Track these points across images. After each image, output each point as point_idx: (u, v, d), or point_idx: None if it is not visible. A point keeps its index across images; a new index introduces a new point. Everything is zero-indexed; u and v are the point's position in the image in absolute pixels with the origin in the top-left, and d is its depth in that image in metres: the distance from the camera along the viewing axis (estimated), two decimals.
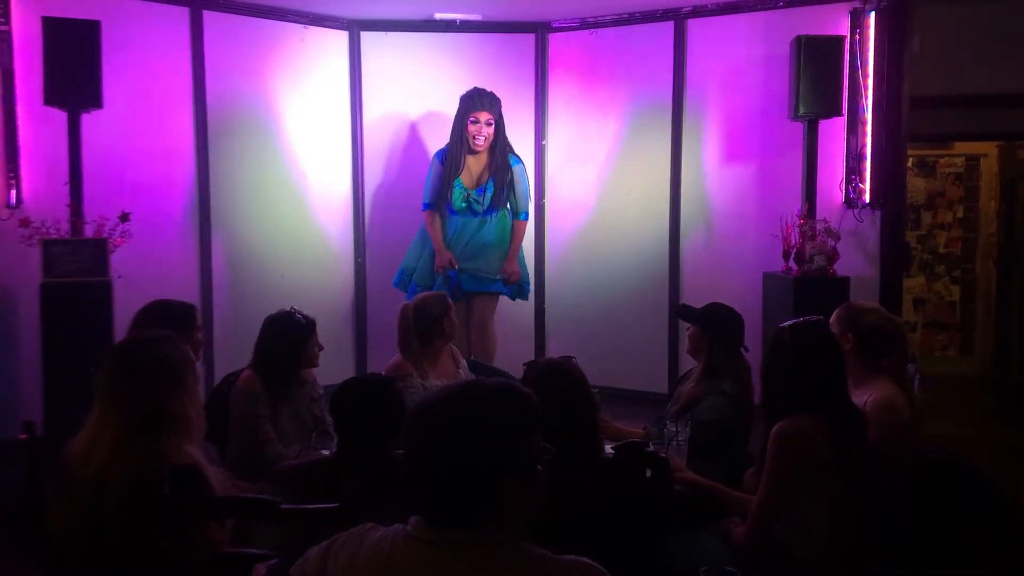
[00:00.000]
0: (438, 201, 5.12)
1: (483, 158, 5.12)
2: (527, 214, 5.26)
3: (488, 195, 5.08)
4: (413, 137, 5.89)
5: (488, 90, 5.12)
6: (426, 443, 1.43)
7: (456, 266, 5.05)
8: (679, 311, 3.46)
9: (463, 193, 5.07)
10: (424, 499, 1.43)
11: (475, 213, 5.11)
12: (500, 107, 5.11)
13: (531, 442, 1.46)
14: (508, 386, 1.51)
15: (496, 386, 1.49)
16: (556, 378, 2.45)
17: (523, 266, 5.30)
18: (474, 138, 5.04)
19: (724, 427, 3.15)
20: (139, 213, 4.64)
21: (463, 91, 5.24)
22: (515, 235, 5.21)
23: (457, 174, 5.07)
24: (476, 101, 5.05)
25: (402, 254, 5.44)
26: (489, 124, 5.04)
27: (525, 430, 1.46)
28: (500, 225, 5.17)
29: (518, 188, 5.17)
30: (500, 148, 5.11)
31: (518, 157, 5.22)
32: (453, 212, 5.11)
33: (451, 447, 1.40)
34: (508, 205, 5.18)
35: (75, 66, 4.29)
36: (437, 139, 5.77)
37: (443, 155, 5.16)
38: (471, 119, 5.04)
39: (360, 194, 5.86)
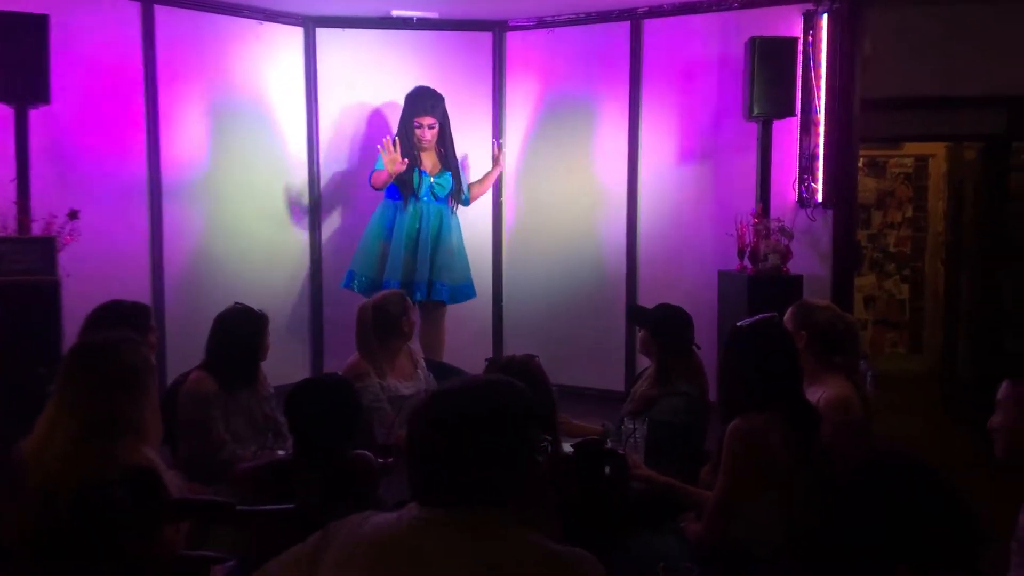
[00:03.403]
0: (400, 189, 5.19)
1: (432, 154, 5.32)
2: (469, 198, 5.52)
3: (448, 182, 5.26)
4: (369, 135, 5.85)
5: (431, 89, 5.27)
6: (430, 432, 1.48)
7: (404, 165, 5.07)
8: (631, 313, 3.50)
9: (427, 180, 5.20)
10: (434, 488, 1.47)
11: (437, 198, 5.25)
12: (444, 104, 5.29)
13: (527, 433, 1.50)
14: (505, 381, 1.56)
15: (492, 381, 1.56)
16: (516, 375, 2.45)
17: (467, 266, 5.40)
18: (421, 140, 5.24)
19: (682, 427, 3.18)
20: (89, 211, 4.54)
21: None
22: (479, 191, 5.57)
23: (415, 167, 5.19)
24: (419, 106, 5.25)
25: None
26: (432, 127, 5.25)
27: (521, 422, 1.50)
28: (457, 224, 5.37)
29: (464, 183, 5.44)
30: (449, 143, 5.34)
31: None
32: (417, 198, 5.20)
33: (453, 436, 1.45)
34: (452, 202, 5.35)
35: (22, 60, 4.19)
36: (393, 136, 5.74)
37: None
38: (415, 124, 5.23)
39: (316, 190, 5.81)
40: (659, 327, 3.38)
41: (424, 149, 5.26)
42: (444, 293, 5.20)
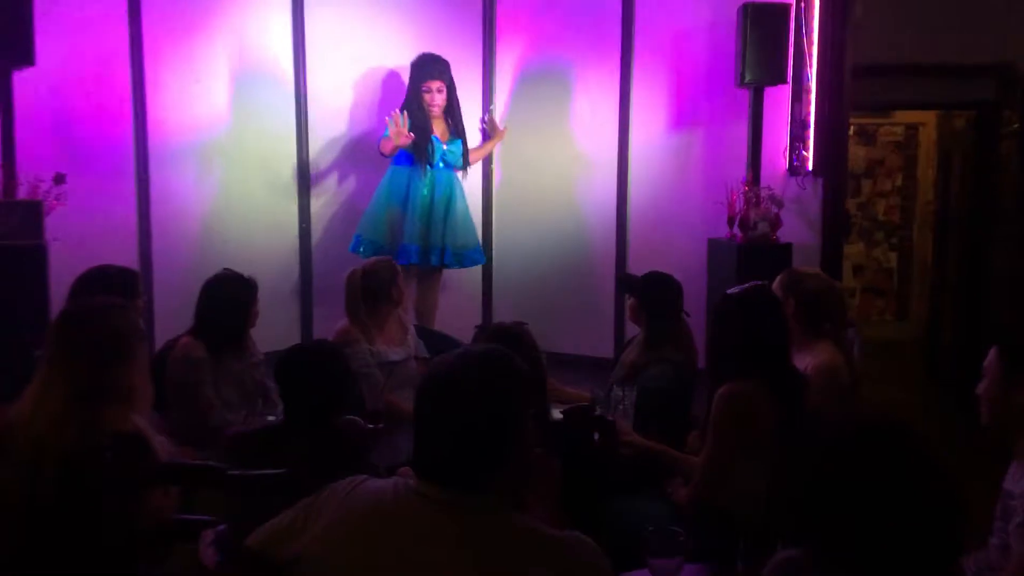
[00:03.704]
0: (415, 157, 5.19)
1: (441, 121, 5.32)
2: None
3: (460, 150, 5.33)
4: (358, 98, 5.80)
5: (436, 55, 5.25)
6: (436, 410, 1.46)
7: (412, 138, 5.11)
8: (620, 281, 3.50)
9: (440, 147, 5.25)
10: (433, 463, 1.45)
11: (448, 166, 5.29)
12: (450, 71, 5.28)
13: (529, 409, 1.50)
14: (504, 354, 1.54)
15: (494, 354, 1.54)
16: (506, 343, 2.45)
17: (475, 231, 5.46)
18: (430, 106, 5.22)
19: (670, 394, 3.19)
20: (76, 174, 4.49)
21: (411, 53, 5.31)
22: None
23: (430, 135, 5.22)
24: (426, 71, 5.24)
25: (348, 217, 5.41)
26: (440, 91, 5.24)
27: (523, 397, 1.49)
28: (463, 191, 5.41)
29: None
30: (456, 109, 5.37)
31: None
32: (432, 166, 5.25)
33: (462, 414, 1.43)
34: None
35: (6, 21, 4.10)
36: (382, 100, 5.70)
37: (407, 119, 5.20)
38: (424, 88, 5.22)
39: (305, 155, 5.76)
40: (648, 294, 3.39)
41: (434, 116, 5.26)
42: (456, 258, 5.30)
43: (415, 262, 5.17)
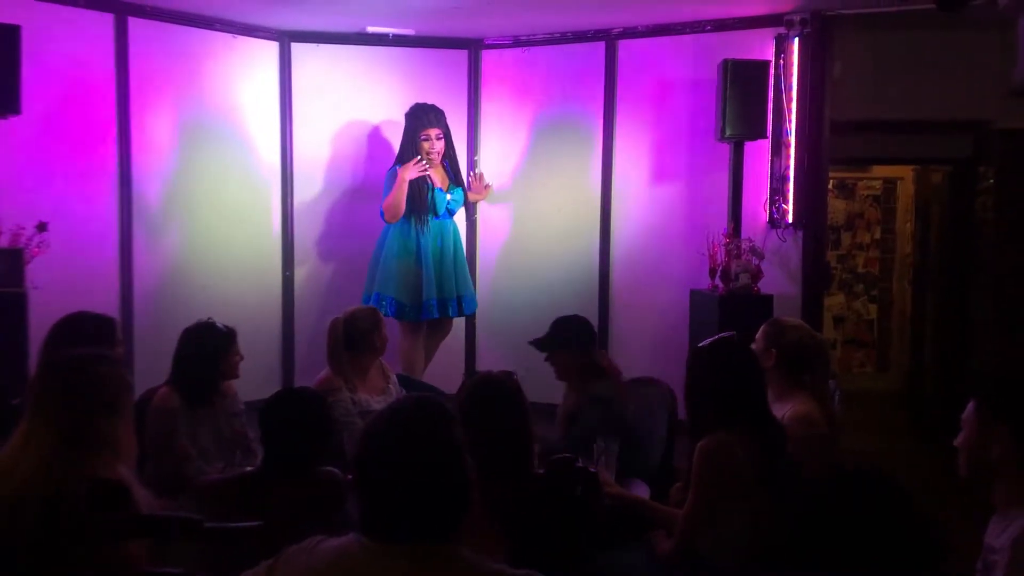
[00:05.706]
0: (416, 208, 5.16)
1: (440, 169, 5.31)
2: None
3: (461, 197, 5.37)
4: (343, 150, 5.85)
5: (431, 104, 5.26)
6: (388, 462, 1.45)
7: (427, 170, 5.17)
8: (538, 346, 3.54)
9: (442, 196, 5.22)
10: (385, 516, 1.44)
11: (450, 214, 5.32)
12: (446, 119, 5.29)
13: (462, 449, 1.50)
14: (438, 400, 1.55)
15: (435, 401, 1.54)
16: (486, 390, 2.45)
17: (468, 281, 5.44)
18: (428, 154, 5.20)
19: (605, 426, 3.17)
20: (58, 223, 4.50)
21: (395, 105, 5.39)
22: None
23: (429, 184, 5.20)
24: (424, 119, 5.22)
25: (332, 267, 5.40)
26: (439, 139, 5.24)
27: (457, 439, 1.49)
28: (459, 234, 5.45)
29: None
30: (454, 156, 5.39)
31: None
32: (436, 215, 5.25)
33: (417, 464, 1.44)
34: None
35: None
36: (368, 152, 5.75)
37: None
38: (423, 136, 5.19)
39: (289, 206, 5.79)
40: (569, 336, 3.48)
41: (432, 164, 5.22)
42: (468, 306, 5.35)
43: (436, 316, 5.18)
